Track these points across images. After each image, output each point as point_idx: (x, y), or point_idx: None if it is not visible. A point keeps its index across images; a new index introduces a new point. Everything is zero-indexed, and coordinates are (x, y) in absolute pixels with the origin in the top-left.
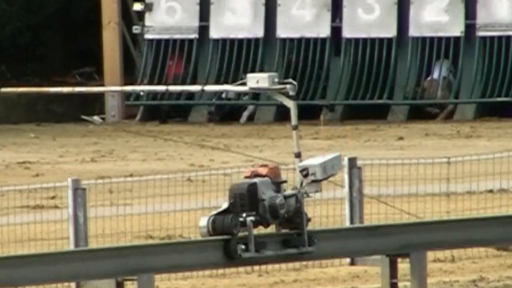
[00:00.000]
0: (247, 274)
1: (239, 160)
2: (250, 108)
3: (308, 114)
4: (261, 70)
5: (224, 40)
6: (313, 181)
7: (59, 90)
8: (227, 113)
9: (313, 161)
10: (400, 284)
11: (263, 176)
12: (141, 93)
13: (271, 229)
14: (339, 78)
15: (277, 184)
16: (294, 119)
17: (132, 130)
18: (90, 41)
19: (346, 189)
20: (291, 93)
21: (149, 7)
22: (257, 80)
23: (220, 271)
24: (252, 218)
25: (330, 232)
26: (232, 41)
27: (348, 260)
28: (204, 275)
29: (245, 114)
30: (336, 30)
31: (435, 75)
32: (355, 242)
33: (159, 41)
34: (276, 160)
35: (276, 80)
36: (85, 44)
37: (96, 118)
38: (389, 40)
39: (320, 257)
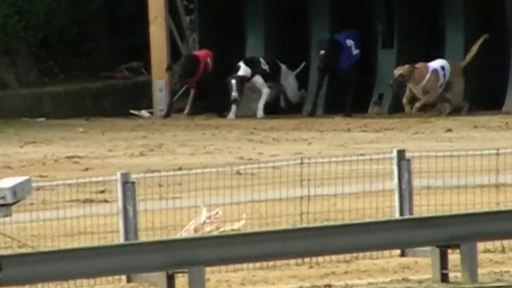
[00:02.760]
0: (298, 266)
1: (288, 153)
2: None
3: (357, 107)
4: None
5: None
6: (2, 205)
7: None
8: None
9: (3, 184)
10: (450, 274)
11: None
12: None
13: None
14: (387, 70)
15: None
16: None
17: (181, 124)
18: (137, 36)
19: (395, 181)
20: None
21: None
22: None
23: (271, 263)
24: None
25: (380, 224)
26: None
27: (398, 251)
28: (255, 267)
29: (233, 109)
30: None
31: None
32: (405, 233)
33: None
34: (325, 152)
35: None
36: (132, 38)
37: (144, 112)
38: None
39: (370, 248)
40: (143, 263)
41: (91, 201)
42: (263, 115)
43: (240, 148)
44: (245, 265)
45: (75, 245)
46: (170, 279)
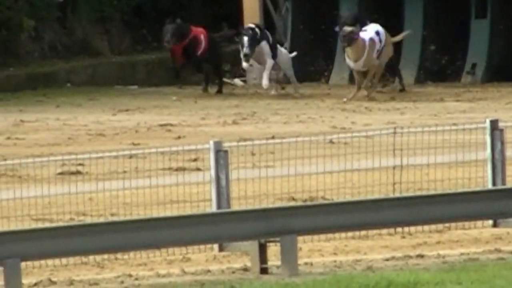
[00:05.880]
0: (390, 236)
1: (380, 123)
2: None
3: (450, 76)
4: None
5: None
6: None
7: None
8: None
9: None
10: None
11: None
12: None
13: None
14: (481, 40)
15: None
16: None
17: (274, 93)
18: (230, 4)
19: (488, 151)
20: None
21: None
22: None
23: (363, 232)
24: None
25: (472, 194)
26: None
27: (490, 222)
28: (347, 236)
29: (265, 77)
30: None
31: None
32: (498, 204)
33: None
34: (418, 122)
35: None
36: (225, 7)
37: (237, 80)
38: None
39: (463, 218)
40: (235, 232)
41: (183, 169)
42: (268, 84)
43: (333, 117)
44: (337, 235)
45: (167, 213)
46: (262, 248)
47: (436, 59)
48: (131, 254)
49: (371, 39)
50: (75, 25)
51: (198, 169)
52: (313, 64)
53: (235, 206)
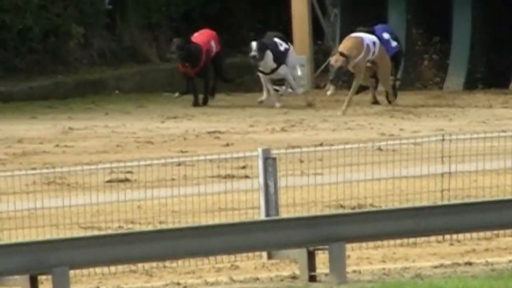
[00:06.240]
0: (439, 243)
1: (429, 129)
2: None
3: (499, 82)
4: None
5: None
6: None
7: None
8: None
9: None
10: None
11: None
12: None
13: None
14: None
15: None
16: None
17: (323, 99)
18: (279, 11)
19: None
20: None
21: None
22: None
23: (411, 240)
24: None
25: None
26: None
27: None
28: (396, 244)
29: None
30: None
31: None
32: None
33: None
34: (466, 129)
35: None
36: (274, 13)
37: (285, 88)
38: None
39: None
40: (283, 240)
41: (232, 176)
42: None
43: (382, 124)
44: (385, 242)
45: (216, 221)
46: (311, 256)
47: (485, 64)
48: (180, 262)
49: (368, 45)
50: (124, 32)
51: (247, 177)
52: None
53: (284, 214)
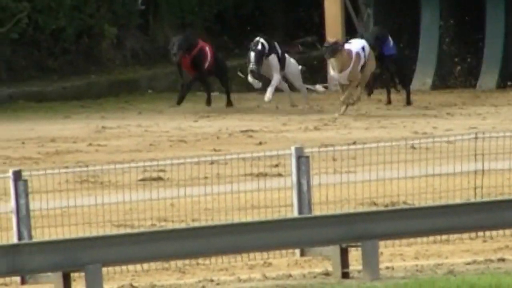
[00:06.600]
0: (471, 240)
1: (462, 128)
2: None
3: None
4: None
5: None
6: None
7: None
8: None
9: None
10: None
11: None
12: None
13: None
14: None
15: None
16: None
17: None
18: (312, 10)
19: None
20: None
21: None
22: None
23: (444, 237)
24: None
25: None
26: None
27: None
28: (428, 241)
29: (270, 91)
30: None
31: None
32: None
33: None
34: (500, 127)
35: None
36: (306, 13)
37: (318, 87)
38: None
39: None
40: (316, 237)
41: (265, 175)
42: (271, 99)
43: (415, 123)
44: (418, 239)
45: (249, 219)
46: (344, 253)
47: None
48: (213, 259)
49: (357, 53)
50: (157, 32)
51: (280, 175)
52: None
53: (317, 212)
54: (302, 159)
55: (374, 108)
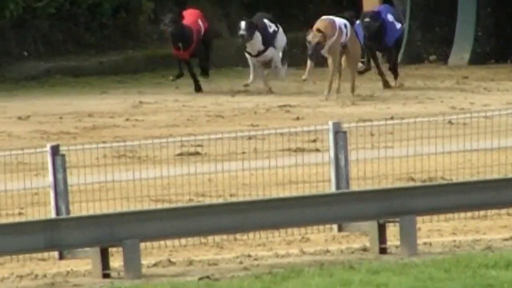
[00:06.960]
0: (509, 216)
1: (499, 103)
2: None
3: None
4: None
5: None
6: None
7: None
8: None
9: None
10: None
11: None
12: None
13: None
14: None
15: None
16: None
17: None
18: None
19: None
20: None
21: None
22: None
23: (482, 212)
24: None
25: None
26: None
27: None
28: (466, 217)
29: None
30: None
31: None
32: None
33: None
34: None
35: None
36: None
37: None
38: None
39: None
40: (354, 212)
41: (302, 150)
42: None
43: (452, 98)
44: (456, 215)
45: (286, 194)
46: (381, 228)
47: None
48: (250, 234)
49: (340, 28)
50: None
51: (317, 150)
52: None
53: (354, 187)
54: (339, 134)
55: (411, 83)
